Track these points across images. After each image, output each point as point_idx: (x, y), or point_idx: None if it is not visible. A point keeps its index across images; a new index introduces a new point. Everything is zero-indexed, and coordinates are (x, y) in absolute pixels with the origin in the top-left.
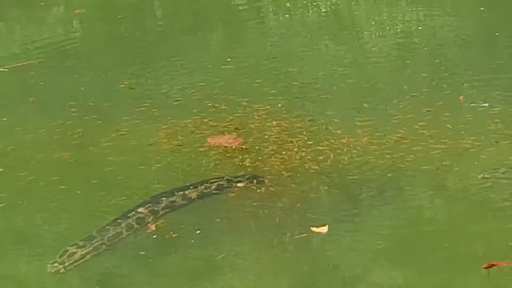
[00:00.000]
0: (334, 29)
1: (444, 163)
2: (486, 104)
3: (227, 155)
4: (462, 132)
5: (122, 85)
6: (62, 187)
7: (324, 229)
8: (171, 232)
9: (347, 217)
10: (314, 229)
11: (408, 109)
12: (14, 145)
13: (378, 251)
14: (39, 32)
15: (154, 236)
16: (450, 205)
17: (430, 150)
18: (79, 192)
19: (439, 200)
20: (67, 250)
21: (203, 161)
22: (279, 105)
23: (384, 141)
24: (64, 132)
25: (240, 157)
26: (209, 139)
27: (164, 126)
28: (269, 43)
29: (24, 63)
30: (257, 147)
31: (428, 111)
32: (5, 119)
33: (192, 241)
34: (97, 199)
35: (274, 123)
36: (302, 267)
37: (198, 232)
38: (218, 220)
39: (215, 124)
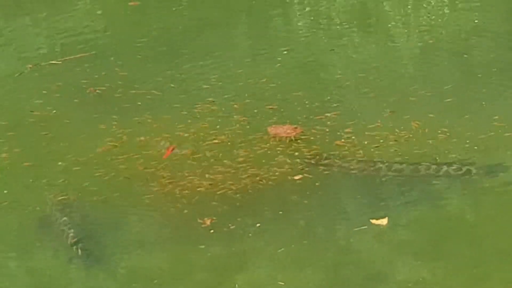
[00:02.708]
0: (361, 20)
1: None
2: None
3: (284, 145)
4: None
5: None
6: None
7: (384, 221)
8: (229, 224)
9: (373, 210)
10: (373, 221)
11: (445, 104)
12: (66, 139)
13: (404, 245)
14: (91, 24)
15: (211, 231)
16: (478, 200)
17: (464, 144)
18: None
19: (468, 196)
20: None
21: (263, 151)
22: (328, 97)
23: (426, 132)
24: (120, 125)
25: (298, 150)
26: (269, 129)
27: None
28: (298, 37)
29: (77, 56)
30: (312, 138)
31: (461, 106)
32: (55, 111)
33: (250, 234)
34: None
35: (327, 115)
36: (327, 260)
37: (258, 225)
38: (281, 213)
39: (273, 115)
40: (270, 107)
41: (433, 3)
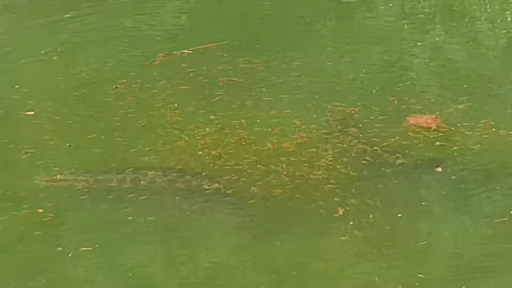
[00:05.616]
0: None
1: None
2: None
3: (424, 135)
4: None
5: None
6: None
7: None
8: (369, 215)
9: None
10: None
11: None
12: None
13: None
14: (221, 13)
15: (351, 222)
16: None
17: None
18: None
19: None
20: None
21: (402, 141)
22: (464, 86)
23: None
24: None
25: (438, 140)
26: (408, 118)
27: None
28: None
29: (210, 45)
30: (451, 129)
31: None
32: (176, 105)
33: (388, 227)
34: None
35: (459, 107)
36: (466, 252)
37: (399, 215)
38: (424, 203)
39: (413, 104)
40: (394, 98)
41: None
